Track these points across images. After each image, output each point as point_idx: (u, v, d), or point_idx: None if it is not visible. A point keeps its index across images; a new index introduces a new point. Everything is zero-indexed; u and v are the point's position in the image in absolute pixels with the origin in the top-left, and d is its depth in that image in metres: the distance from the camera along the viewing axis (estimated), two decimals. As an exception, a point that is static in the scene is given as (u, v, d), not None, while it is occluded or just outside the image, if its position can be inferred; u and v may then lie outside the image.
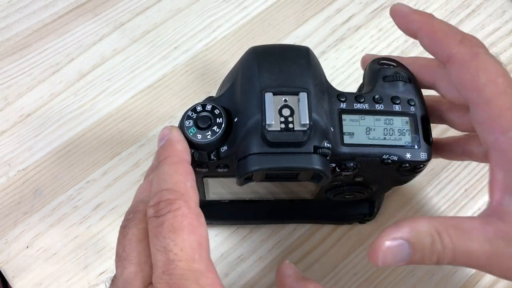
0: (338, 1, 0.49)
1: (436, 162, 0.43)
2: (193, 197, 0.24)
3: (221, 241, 0.40)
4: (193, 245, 0.22)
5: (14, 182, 0.41)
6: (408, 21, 0.30)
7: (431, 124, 0.30)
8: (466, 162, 0.43)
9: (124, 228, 0.25)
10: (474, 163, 0.43)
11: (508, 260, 0.24)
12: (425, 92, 0.31)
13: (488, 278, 0.39)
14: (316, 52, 0.47)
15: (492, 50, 0.48)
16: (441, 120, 0.32)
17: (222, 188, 0.33)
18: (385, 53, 0.47)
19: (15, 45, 0.46)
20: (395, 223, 0.26)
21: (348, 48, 0.47)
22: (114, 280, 0.25)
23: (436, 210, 0.41)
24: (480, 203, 0.41)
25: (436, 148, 0.31)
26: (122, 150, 0.42)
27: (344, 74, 0.46)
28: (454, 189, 0.42)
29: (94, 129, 0.43)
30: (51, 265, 0.38)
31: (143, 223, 0.24)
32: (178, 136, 0.26)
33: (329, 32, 0.48)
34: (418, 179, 0.42)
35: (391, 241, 0.25)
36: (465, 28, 0.48)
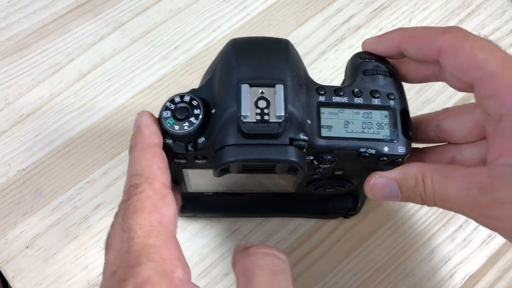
0: (338, 1, 0.49)
1: (436, 162, 0.43)
2: (159, 179, 0.25)
3: (220, 241, 0.40)
4: (153, 223, 0.23)
5: (14, 182, 0.41)
6: (385, 43, 0.30)
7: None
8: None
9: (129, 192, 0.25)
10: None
11: (480, 207, 0.25)
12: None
13: (488, 278, 0.39)
14: (316, 52, 0.47)
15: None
16: (438, 137, 0.32)
17: (203, 180, 0.33)
18: (385, 53, 0.47)
19: (15, 45, 0.46)
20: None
21: (348, 48, 0.47)
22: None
23: (436, 209, 0.41)
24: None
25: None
26: (122, 150, 0.42)
27: (344, 74, 0.46)
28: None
29: (94, 129, 0.43)
30: (51, 265, 0.38)
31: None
32: (146, 121, 0.27)
33: (329, 32, 0.48)
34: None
35: (378, 179, 0.29)
36: (465, 28, 0.48)
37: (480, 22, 0.49)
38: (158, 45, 0.47)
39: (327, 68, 0.46)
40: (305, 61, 0.46)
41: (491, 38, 0.48)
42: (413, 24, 0.48)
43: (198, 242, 0.40)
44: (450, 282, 0.39)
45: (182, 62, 0.46)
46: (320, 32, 0.48)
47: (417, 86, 0.45)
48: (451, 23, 0.48)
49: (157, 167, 0.25)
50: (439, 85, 0.45)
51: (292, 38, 0.47)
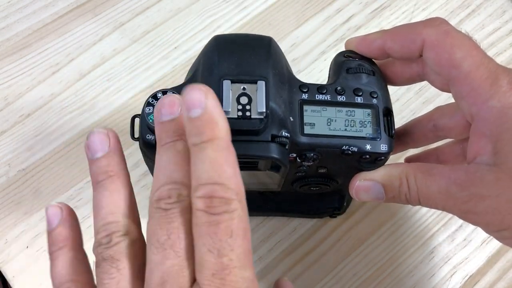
0: (338, 1, 0.49)
1: (436, 162, 0.43)
2: (244, 195, 0.22)
3: (221, 241, 0.40)
4: (246, 251, 0.21)
5: (14, 182, 0.41)
6: (368, 44, 0.30)
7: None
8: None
9: (167, 212, 0.22)
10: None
11: (460, 203, 0.26)
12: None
13: (488, 278, 0.39)
14: (316, 52, 0.47)
15: (492, 50, 0.48)
16: (436, 136, 0.33)
17: None
18: (385, 53, 0.47)
19: (15, 45, 0.46)
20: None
21: (348, 48, 0.47)
22: (117, 264, 0.23)
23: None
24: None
25: (404, 139, 0.34)
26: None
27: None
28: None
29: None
30: (51, 265, 0.38)
31: (188, 213, 0.22)
32: (218, 106, 0.21)
33: (329, 32, 0.48)
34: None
35: (363, 182, 0.29)
36: (465, 28, 0.48)
37: (480, 22, 0.49)
38: (158, 45, 0.47)
39: (327, 68, 0.46)
40: (305, 61, 0.47)
41: (491, 38, 0.48)
42: (413, 24, 0.48)
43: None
44: (450, 282, 0.39)
45: (182, 62, 0.46)
46: (320, 32, 0.48)
47: (417, 86, 0.45)
48: (451, 23, 0.48)
49: (241, 181, 0.22)
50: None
51: (292, 38, 0.47)
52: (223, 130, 0.21)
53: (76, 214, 0.26)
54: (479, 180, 0.26)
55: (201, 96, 0.21)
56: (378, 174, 0.29)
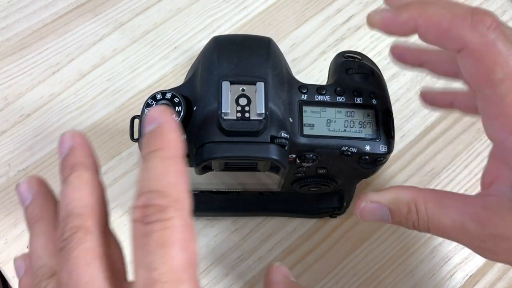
0: (338, 1, 0.49)
1: (436, 162, 0.43)
2: (187, 205, 0.21)
3: (221, 241, 0.40)
4: (183, 263, 0.19)
5: (14, 182, 0.41)
6: (397, 25, 0.26)
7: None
8: (466, 162, 0.43)
9: (62, 251, 0.21)
10: (474, 163, 0.43)
11: (478, 241, 0.25)
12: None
13: (488, 278, 0.39)
14: (316, 52, 0.47)
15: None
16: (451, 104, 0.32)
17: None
18: (385, 53, 0.47)
19: (15, 45, 0.46)
20: (382, 189, 0.28)
21: (348, 48, 0.47)
22: None
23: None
24: (480, 203, 0.41)
25: (427, 96, 0.32)
26: (122, 150, 0.42)
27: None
28: (454, 189, 0.42)
29: (94, 129, 0.43)
30: (51, 265, 0.38)
31: (85, 242, 0.21)
32: (171, 122, 0.22)
33: (329, 32, 0.48)
34: (419, 179, 0.42)
35: (369, 204, 0.28)
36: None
37: (480, 22, 0.49)
38: (158, 45, 0.47)
39: (327, 68, 0.46)
40: (305, 61, 0.47)
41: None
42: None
43: (198, 242, 0.40)
44: (450, 282, 0.39)
45: (182, 62, 0.46)
46: (320, 32, 0.48)
47: (417, 86, 0.45)
48: (451, 23, 0.48)
49: (183, 189, 0.21)
50: (439, 84, 0.45)
51: (292, 38, 0.47)
52: (171, 141, 0.21)
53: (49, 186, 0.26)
54: (500, 218, 0.24)
55: (156, 114, 0.22)
56: (385, 197, 0.27)
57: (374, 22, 0.26)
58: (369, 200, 0.28)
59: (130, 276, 0.21)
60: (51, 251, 0.23)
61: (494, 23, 0.24)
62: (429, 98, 0.34)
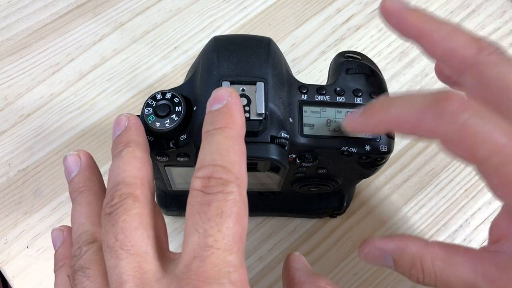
0: (338, 1, 0.49)
1: (436, 162, 0.43)
2: (245, 184, 0.22)
3: (221, 241, 0.40)
4: (236, 236, 0.20)
5: (14, 182, 0.41)
6: (404, 25, 0.26)
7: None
8: (466, 162, 0.43)
9: (110, 215, 0.22)
10: (474, 163, 0.43)
11: None
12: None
13: (488, 278, 0.39)
14: (316, 52, 0.47)
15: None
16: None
17: (187, 178, 0.33)
18: (385, 53, 0.47)
19: (15, 45, 0.46)
20: (390, 235, 0.27)
21: (348, 48, 0.47)
22: (88, 272, 0.22)
23: (436, 209, 0.41)
24: (480, 203, 0.41)
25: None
26: (122, 150, 0.42)
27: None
28: (454, 189, 0.42)
29: (94, 129, 0.43)
30: (51, 265, 0.38)
31: (134, 209, 0.22)
32: (238, 103, 0.23)
33: (329, 32, 0.48)
34: (418, 180, 0.42)
35: (374, 251, 0.27)
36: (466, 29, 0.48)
37: (480, 22, 0.49)
38: (158, 45, 0.47)
39: (327, 68, 0.46)
40: (305, 61, 0.47)
41: (491, 38, 0.48)
42: (413, 24, 0.48)
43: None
44: (450, 282, 0.39)
45: (182, 62, 0.46)
46: (320, 32, 0.48)
47: (417, 86, 0.45)
48: (451, 23, 0.48)
49: (244, 169, 0.22)
50: (440, 84, 0.45)
51: (292, 38, 0.47)
52: (237, 123, 0.23)
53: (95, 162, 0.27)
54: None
55: (225, 94, 0.23)
56: (390, 246, 0.27)
57: (348, 128, 0.27)
58: (373, 247, 0.27)
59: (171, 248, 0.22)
60: (94, 220, 0.24)
61: (461, 104, 0.22)
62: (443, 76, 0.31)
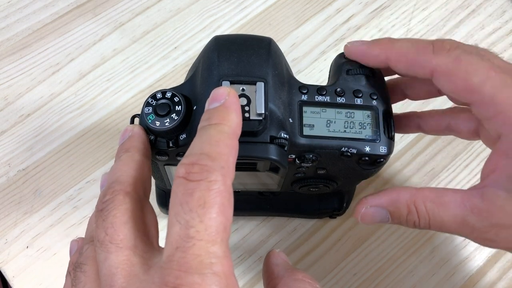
0: (338, 1, 0.49)
1: (436, 162, 0.43)
2: (231, 175, 0.21)
3: (221, 241, 0.40)
4: (219, 227, 0.20)
5: (14, 182, 0.41)
6: (370, 57, 0.29)
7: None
8: (466, 162, 0.43)
9: (102, 211, 0.22)
10: (474, 163, 0.43)
11: (479, 232, 0.26)
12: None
13: (488, 278, 0.39)
14: (316, 52, 0.47)
15: (492, 50, 0.47)
16: (403, 96, 0.33)
17: None
18: (385, 53, 0.47)
19: (15, 45, 0.46)
20: (379, 191, 0.28)
21: (348, 48, 0.47)
22: (84, 268, 0.23)
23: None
24: (480, 203, 0.41)
25: (419, 121, 0.33)
26: (122, 150, 0.42)
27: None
28: (454, 189, 0.42)
29: (94, 129, 0.43)
30: (51, 265, 0.38)
31: (125, 204, 0.22)
32: (237, 104, 0.23)
33: (329, 32, 0.48)
34: (418, 180, 0.42)
35: (369, 209, 0.28)
36: (465, 28, 0.48)
37: (480, 22, 0.49)
38: (158, 45, 0.47)
39: (327, 68, 0.46)
40: (305, 61, 0.47)
41: (491, 38, 0.48)
42: (413, 24, 0.48)
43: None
44: (450, 282, 0.39)
45: (182, 62, 0.46)
46: (320, 32, 0.48)
47: (417, 86, 0.45)
48: (451, 23, 0.48)
49: (232, 161, 0.22)
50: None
51: (292, 38, 0.47)
52: (232, 120, 0.23)
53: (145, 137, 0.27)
54: (499, 209, 0.25)
55: (223, 93, 0.23)
56: (384, 200, 0.28)
57: (350, 52, 0.30)
58: (369, 205, 0.28)
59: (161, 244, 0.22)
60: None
61: (453, 45, 0.27)
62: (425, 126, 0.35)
